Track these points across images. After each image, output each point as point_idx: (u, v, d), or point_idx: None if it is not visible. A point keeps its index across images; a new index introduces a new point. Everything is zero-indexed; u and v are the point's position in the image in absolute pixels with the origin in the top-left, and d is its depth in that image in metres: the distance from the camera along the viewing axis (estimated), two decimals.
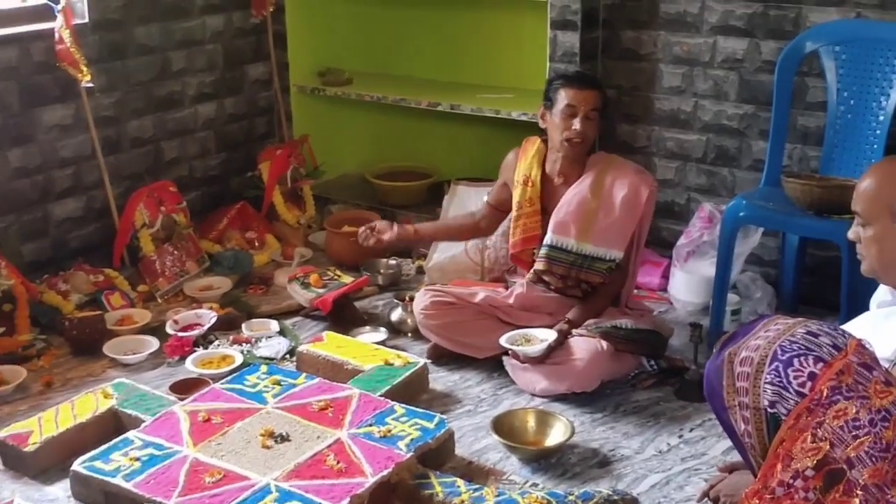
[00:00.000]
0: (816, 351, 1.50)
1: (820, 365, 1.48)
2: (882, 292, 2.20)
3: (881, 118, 3.34)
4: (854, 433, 1.44)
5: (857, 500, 1.42)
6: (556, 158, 3.29)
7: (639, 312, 3.35)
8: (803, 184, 3.16)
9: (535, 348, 3.09)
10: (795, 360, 1.50)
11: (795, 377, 1.49)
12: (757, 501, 1.54)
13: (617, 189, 3.22)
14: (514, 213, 3.37)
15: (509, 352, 3.15)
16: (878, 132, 3.34)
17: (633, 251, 3.30)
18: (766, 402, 1.51)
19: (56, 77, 3.76)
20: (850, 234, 2.14)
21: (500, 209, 3.52)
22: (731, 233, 3.31)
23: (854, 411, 1.45)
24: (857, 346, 1.52)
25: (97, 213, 4.02)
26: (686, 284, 3.70)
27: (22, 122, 3.72)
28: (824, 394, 1.46)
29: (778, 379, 1.50)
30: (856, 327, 2.11)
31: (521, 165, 3.36)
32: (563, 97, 3.19)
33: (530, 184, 3.33)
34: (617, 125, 3.99)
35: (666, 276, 3.84)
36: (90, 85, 3.76)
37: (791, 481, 1.47)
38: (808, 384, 1.48)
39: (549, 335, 3.13)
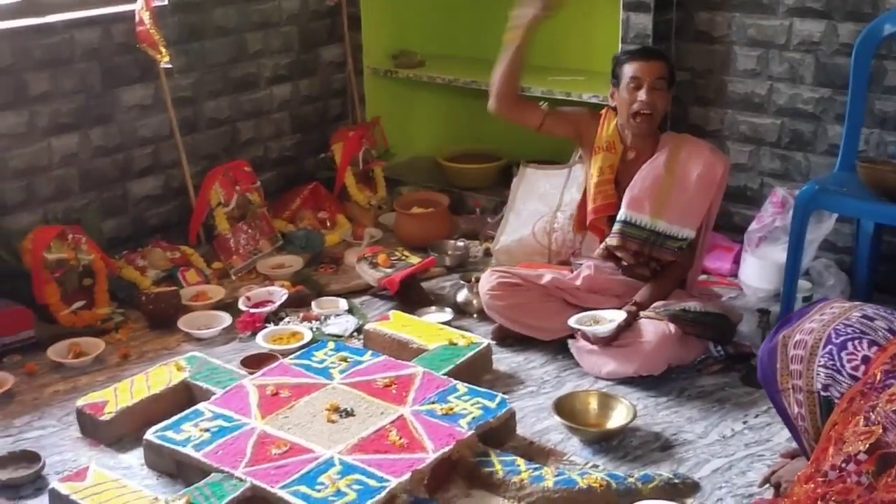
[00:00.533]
0: (871, 335, 1.48)
1: (874, 349, 1.47)
2: None
3: None
4: None
5: None
6: (627, 134, 3.28)
7: (707, 297, 3.32)
8: (879, 169, 3.09)
9: (605, 328, 3.09)
10: (849, 344, 1.48)
11: (849, 360, 1.48)
12: (811, 485, 1.53)
13: (692, 166, 3.20)
14: (594, 179, 3.34)
15: (578, 333, 3.15)
16: None
17: (702, 231, 3.27)
18: (820, 385, 1.50)
19: (136, 58, 3.87)
20: None
21: (544, 122, 3.39)
22: (803, 218, 3.26)
23: None
24: None
25: (175, 191, 4.13)
26: (757, 270, 3.65)
27: (103, 102, 3.83)
28: (878, 377, 1.45)
29: (831, 362, 1.49)
30: None
31: (604, 132, 3.34)
32: (628, 71, 3.19)
33: (613, 150, 3.31)
34: (689, 108, 3.95)
35: (737, 262, 3.79)
36: (169, 66, 3.86)
37: (843, 465, 1.46)
38: (862, 367, 1.47)
39: (618, 316, 3.13)
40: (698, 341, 3.17)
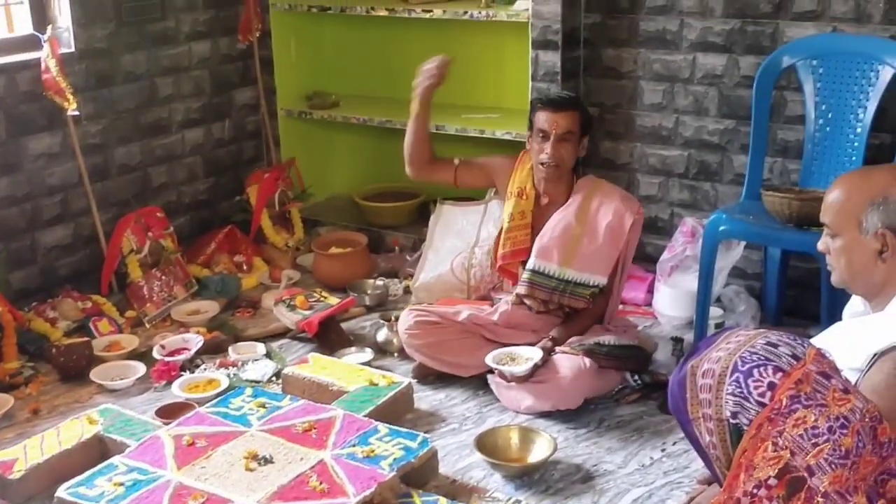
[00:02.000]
0: (776, 361, 1.51)
1: (779, 375, 1.50)
2: (854, 302, 2.22)
3: (859, 130, 3.36)
4: (813, 441, 1.45)
5: None
6: (538, 178, 3.32)
7: (622, 328, 3.36)
8: (782, 197, 3.18)
9: (521, 367, 3.11)
10: (755, 371, 1.51)
11: (756, 387, 1.50)
12: None
13: (602, 215, 3.25)
14: (505, 225, 3.40)
15: (495, 371, 3.16)
16: (856, 144, 3.37)
17: (617, 275, 3.31)
18: (729, 413, 1.52)
19: (42, 106, 3.79)
20: (820, 246, 2.16)
21: (457, 176, 3.50)
22: (713, 247, 3.33)
23: (813, 419, 1.46)
24: (816, 355, 1.53)
25: (85, 240, 4.04)
26: (670, 299, 3.72)
27: (9, 150, 3.74)
28: (784, 403, 1.48)
29: (739, 390, 1.51)
30: (827, 338, 2.12)
31: (517, 177, 3.39)
32: (538, 120, 3.24)
33: (525, 196, 3.35)
34: (599, 142, 4.02)
35: (651, 291, 3.86)
36: (76, 113, 3.80)
37: (754, 491, 1.48)
38: (768, 394, 1.49)
39: (534, 354, 3.15)
40: (615, 372, 3.21)
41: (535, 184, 3.35)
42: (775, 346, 1.54)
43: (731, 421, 1.52)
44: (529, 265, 3.27)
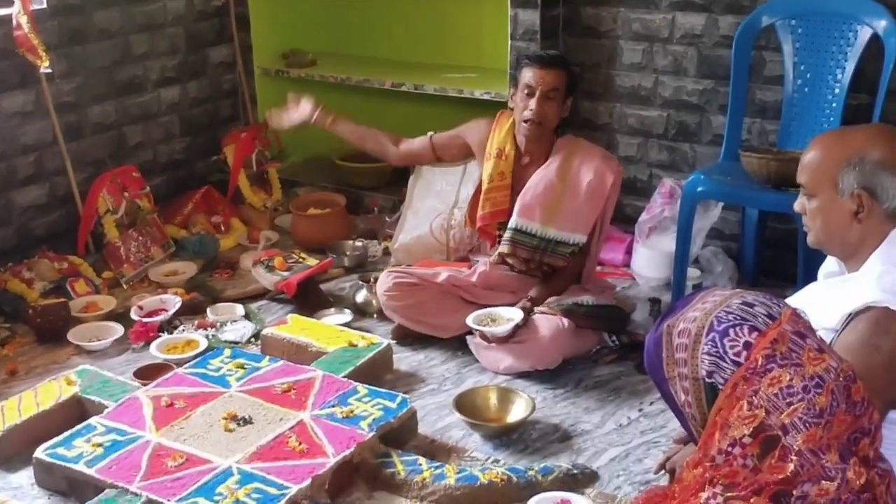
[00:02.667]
0: (751, 321, 1.52)
1: (755, 334, 1.50)
2: (829, 263, 2.23)
3: (837, 91, 3.37)
4: (788, 400, 1.46)
5: (791, 465, 1.45)
6: (521, 139, 3.30)
7: (600, 288, 3.38)
8: (760, 157, 3.18)
9: (502, 328, 3.11)
10: (731, 331, 1.51)
11: (731, 347, 1.51)
12: (699, 470, 1.56)
13: (583, 174, 3.24)
14: (484, 186, 3.38)
15: (475, 332, 3.17)
16: (833, 105, 3.38)
17: (596, 233, 3.32)
18: (704, 372, 1.53)
19: (15, 63, 3.73)
20: (796, 206, 2.16)
21: (436, 153, 3.55)
22: (691, 208, 3.34)
23: (788, 378, 1.47)
24: (792, 315, 1.54)
25: (60, 199, 4.01)
26: (648, 260, 3.73)
27: None
28: (759, 362, 1.48)
29: (715, 349, 1.52)
30: (802, 298, 2.14)
31: (495, 137, 3.37)
32: (524, 77, 3.21)
33: (504, 157, 3.34)
34: (579, 102, 4.00)
35: (629, 252, 3.87)
36: (49, 70, 3.74)
37: (729, 449, 1.49)
38: (744, 353, 1.50)
39: (515, 314, 3.15)
40: (593, 332, 3.22)
41: (518, 143, 3.33)
42: (751, 305, 1.54)
43: (707, 380, 1.53)
44: (512, 223, 3.27)
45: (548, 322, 3.11)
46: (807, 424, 1.46)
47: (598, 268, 3.67)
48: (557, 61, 3.25)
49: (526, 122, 3.21)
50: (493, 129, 3.39)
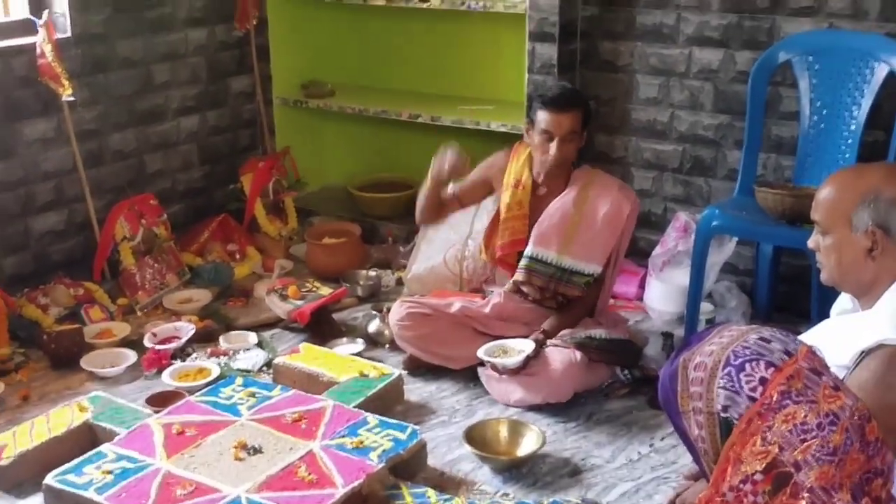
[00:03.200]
0: (768, 356, 1.52)
1: (771, 370, 1.50)
2: (843, 300, 2.22)
3: (853, 127, 3.36)
4: (802, 437, 1.46)
5: (803, 502, 1.44)
6: (538, 171, 3.31)
7: (613, 322, 3.37)
8: (775, 193, 3.18)
9: (513, 360, 3.11)
10: (748, 365, 1.51)
11: (747, 382, 1.50)
12: None
13: (600, 204, 3.25)
14: (503, 216, 3.39)
15: (487, 364, 3.16)
16: (850, 141, 3.37)
17: (611, 265, 3.32)
18: (720, 407, 1.53)
19: (38, 91, 3.77)
20: (810, 243, 2.16)
21: (461, 203, 3.56)
22: (705, 242, 3.33)
23: (803, 415, 1.47)
24: (808, 352, 1.54)
25: (78, 226, 4.03)
26: (662, 294, 3.72)
27: (4, 136, 3.73)
28: (774, 398, 1.48)
29: (731, 384, 1.51)
30: (815, 334, 2.12)
31: (513, 168, 3.39)
32: (540, 119, 3.22)
33: (521, 187, 3.35)
34: (595, 136, 4.01)
35: (642, 286, 3.86)
36: (72, 98, 3.78)
37: (741, 485, 1.49)
38: (760, 389, 1.50)
39: (526, 346, 3.15)
40: (605, 366, 3.21)
41: (534, 175, 3.34)
42: (768, 341, 1.54)
43: (722, 415, 1.52)
44: (528, 252, 3.28)
45: (560, 355, 3.10)
46: (820, 462, 1.45)
47: (612, 301, 3.66)
48: (573, 102, 3.22)
49: (545, 164, 3.23)
50: (510, 160, 3.41)
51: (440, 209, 3.58)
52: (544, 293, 3.30)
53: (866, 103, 3.33)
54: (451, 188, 3.51)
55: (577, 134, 3.22)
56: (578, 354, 3.10)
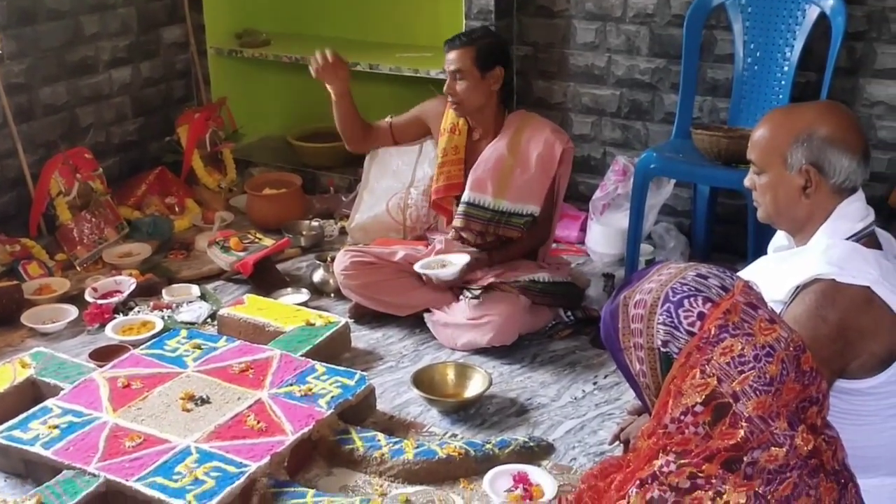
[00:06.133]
0: (706, 292, 1.55)
1: (709, 305, 1.53)
2: (779, 237, 2.28)
3: (786, 69, 3.42)
4: (739, 368, 1.50)
5: (741, 432, 1.48)
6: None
7: (556, 266, 3.41)
8: (710, 135, 3.23)
9: (449, 271, 3.17)
10: (686, 301, 1.54)
11: (686, 317, 1.53)
12: (653, 439, 1.59)
13: (532, 147, 3.27)
14: (438, 160, 3.42)
15: (424, 277, 3.21)
16: (783, 83, 3.43)
17: (551, 209, 3.35)
18: (659, 342, 1.56)
19: None
20: (747, 182, 2.20)
21: (395, 137, 3.57)
22: (643, 185, 3.38)
23: (740, 348, 1.50)
24: (744, 287, 1.57)
25: (11, 182, 3.95)
26: (602, 236, 3.78)
27: None
28: (712, 332, 1.51)
29: (669, 319, 1.54)
30: (752, 271, 2.18)
31: (449, 114, 3.40)
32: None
33: (457, 132, 3.38)
34: (533, 81, 4.03)
35: (584, 230, 3.91)
36: None
37: (681, 417, 1.52)
38: (698, 323, 1.53)
39: (462, 259, 3.20)
40: (548, 308, 3.26)
41: (467, 119, 3.36)
42: (705, 277, 1.57)
43: (662, 349, 1.56)
44: (464, 198, 3.30)
45: (504, 299, 3.14)
46: (757, 392, 1.50)
47: (554, 245, 3.70)
48: (462, 39, 3.25)
49: (450, 102, 3.27)
50: (447, 106, 3.41)
51: (366, 131, 3.53)
52: (484, 237, 3.33)
53: (798, 45, 3.39)
54: (387, 120, 3.53)
55: (465, 72, 3.21)
56: (522, 298, 3.14)
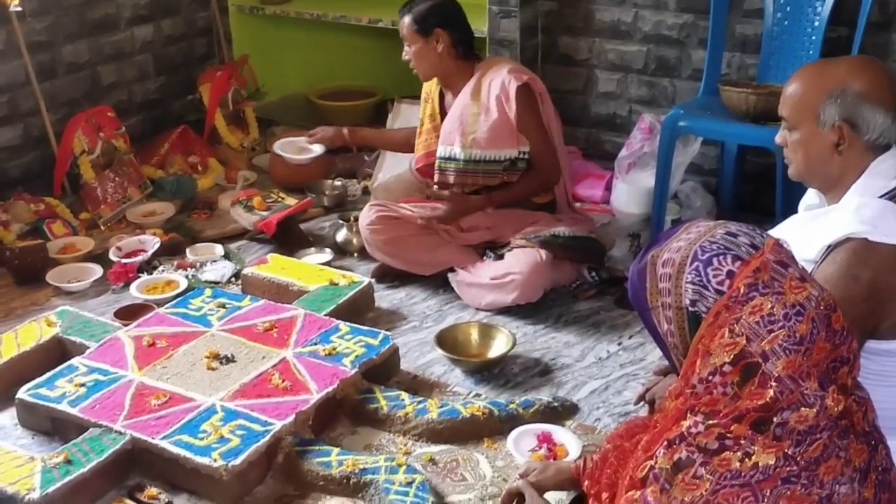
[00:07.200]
0: (735, 250, 1.52)
1: (738, 263, 1.51)
2: (810, 195, 2.24)
3: (816, 24, 3.35)
4: (769, 327, 1.47)
5: (771, 392, 1.46)
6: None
7: (575, 220, 3.35)
8: (739, 91, 3.18)
9: (302, 157, 3.62)
10: (714, 260, 1.52)
11: (714, 275, 1.51)
12: (680, 399, 1.57)
13: (493, 89, 3.23)
14: (419, 130, 3.43)
15: (281, 158, 3.70)
16: (813, 38, 3.36)
17: (548, 147, 3.26)
18: (688, 301, 1.54)
19: None
20: (778, 139, 2.16)
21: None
22: (670, 143, 3.34)
23: (769, 307, 1.48)
24: (774, 245, 1.54)
25: (35, 140, 3.96)
26: (628, 196, 3.74)
27: None
28: (741, 291, 1.49)
29: (698, 278, 1.52)
30: (783, 230, 2.15)
31: (425, 84, 3.41)
32: None
33: (429, 101, 3.40)
34: (558, 37, 3.97)
35: (609, 189, 3.87)
36: (19, 8, 3.67)
37: (710, 377, 1.51)
38: (727, 282, 1.50)
39: (318, 149, 3.64)
40: (571, 265, 3.23)
41: (441, 84, 3.37)
42: (735, 235, 1.54)
43: (690, 309, 1.53)
44: (437, 153, 3.31)
45: (526, 256, 3.11)
46: (787, 351, 1.47)
47: (578, 204, 3.67)
48: (402, 10, 3.27)
49: None
50: None
51: (409, 137, 3.56)
52: (464, 189, 3.30)
53: None
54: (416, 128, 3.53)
55: (410, 40, 3.23)
56: (543, 253, 3.10)
